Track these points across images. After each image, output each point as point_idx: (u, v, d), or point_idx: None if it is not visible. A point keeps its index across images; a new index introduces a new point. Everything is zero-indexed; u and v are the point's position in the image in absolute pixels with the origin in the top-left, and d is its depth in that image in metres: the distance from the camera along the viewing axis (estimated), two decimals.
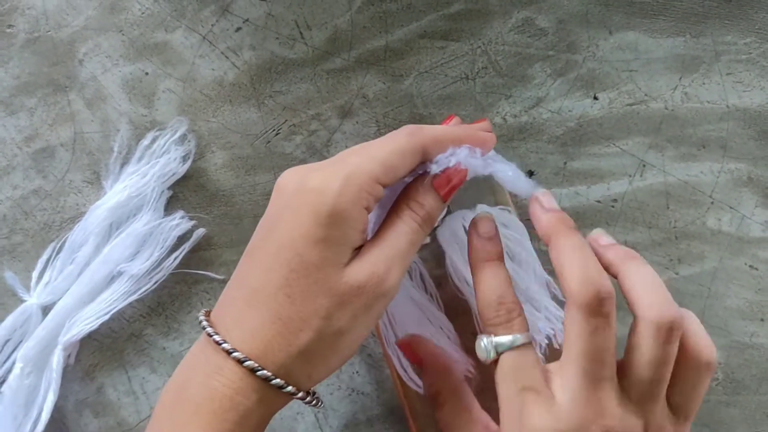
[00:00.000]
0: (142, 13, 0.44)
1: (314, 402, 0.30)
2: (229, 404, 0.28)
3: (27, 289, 0.41)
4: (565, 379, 0.29)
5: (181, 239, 0.41)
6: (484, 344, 0.31)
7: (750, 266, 0.41)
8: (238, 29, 0.44)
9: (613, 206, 0.42)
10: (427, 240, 0.37)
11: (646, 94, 0.43)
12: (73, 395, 0.41)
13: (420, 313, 0.38)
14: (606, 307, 0.28)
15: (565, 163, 0.42)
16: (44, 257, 0.42)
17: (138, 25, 0.44)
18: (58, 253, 0.42)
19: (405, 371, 0.37)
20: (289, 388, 0.28)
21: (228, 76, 0.44)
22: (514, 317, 0.31)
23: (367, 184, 0.29)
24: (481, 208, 0.38)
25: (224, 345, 0.28)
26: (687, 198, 0.42)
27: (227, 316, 0.30)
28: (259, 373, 0.28)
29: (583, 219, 0.42)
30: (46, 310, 0.41)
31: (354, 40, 0.44)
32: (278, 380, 0.28)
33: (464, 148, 0.32)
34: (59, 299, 0.41)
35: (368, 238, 0.31)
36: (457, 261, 0.38)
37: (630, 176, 0.42)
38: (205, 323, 0.30)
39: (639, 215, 0.42)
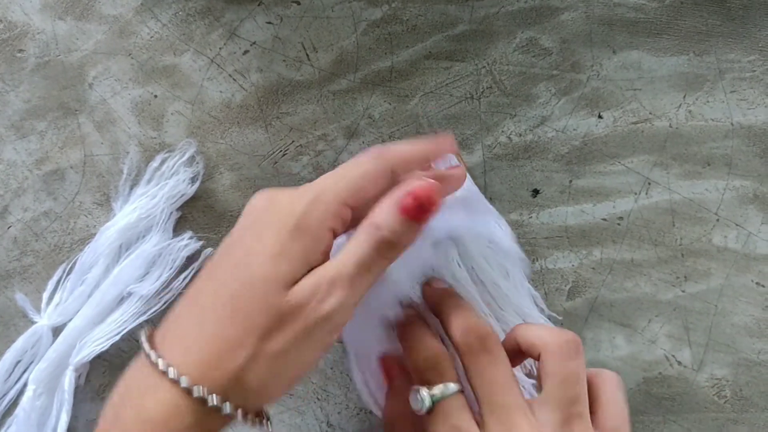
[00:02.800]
0: (151, 37, 0.45)
1: (258, 422, 0.28)
2: (162, 429, 0.26)
3: (38, 311, 0.42)
4: (486, 415, 0.29)
5: (190, 260, 0.42)
6: (421, 397, 0.30)
7: (757, 283, 0.41)
8: (246, 52, 0.45)
9: (619, 224, 0.42)
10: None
11: (650, 113, 0.43)
12: (83, 415, 0.41)
13: (384, 331, 0.36)
14: (488, 343, 0.30)
15: (571, 181, 0.42)
16: (55, 278, 0.42)
17: (147, 48, 0.45)
18: (68, 274, 0.42)
19: (368, 388, 0.36)
20: (227, 410, 0.27)
21: (236, 98, 0.44)
22: (445, 368, 0.31)
23: (334, 205, 0.29)
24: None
25: (159, 365, 0.27)
26: (692, 215, 0.42)
27: (170, 332, 0.28)
28: (194, 394, 0.26)
29: (589, 237, 0.42)
30: (56, 331, 0.41)
31: (359, 62, 0.44)
32: (214, 403, 0.26)
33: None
34: (70, 320, 0.41)
35: None
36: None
37: (635, 194, 0.42)
38: (143, 340, 0.28)
39: (645, 233, 0.42)
